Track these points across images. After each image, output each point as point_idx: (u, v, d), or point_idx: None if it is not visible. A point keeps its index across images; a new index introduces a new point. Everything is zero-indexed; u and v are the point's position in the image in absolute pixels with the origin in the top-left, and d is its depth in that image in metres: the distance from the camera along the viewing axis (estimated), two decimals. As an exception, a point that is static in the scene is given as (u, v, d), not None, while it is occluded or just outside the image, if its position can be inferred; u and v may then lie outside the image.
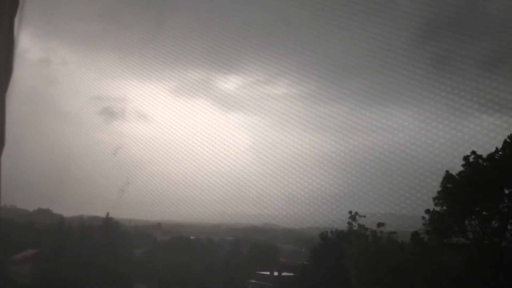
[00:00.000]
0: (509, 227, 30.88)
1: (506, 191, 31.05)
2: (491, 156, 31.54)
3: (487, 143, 32.06)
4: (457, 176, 32.08)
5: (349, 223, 39.02)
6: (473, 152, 32.17)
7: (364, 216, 36.31)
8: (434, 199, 32.39)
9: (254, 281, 63.97)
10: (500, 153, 31.40)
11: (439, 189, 32.48)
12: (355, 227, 39.03)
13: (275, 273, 63.85)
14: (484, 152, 31.93)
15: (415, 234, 33.04)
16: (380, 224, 35.29)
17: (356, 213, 36.74)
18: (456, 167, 32.63)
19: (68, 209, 71.93)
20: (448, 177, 32.30)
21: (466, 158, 32.14)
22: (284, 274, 63.93)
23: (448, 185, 32.15)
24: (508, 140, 31.22)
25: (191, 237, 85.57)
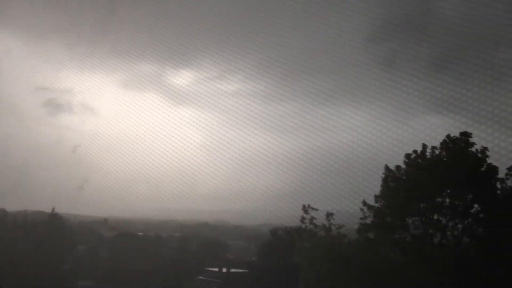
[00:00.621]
0: (449, 223, 31.67)
1: (446, 189, 31.85)
2: (432, 154, 32.36)
3: (430, 142, 32.92)
4: (398, 174, 32.72)
5: (302, 217, 39.20)
6: (415, 151, 32.90)
7: (317, 209, 36.54)
8: (375, 196, 32.94)
9: (202, 277, 63.54)
10: (441, 152, 32.25)
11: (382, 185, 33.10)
12: (306, 223, 39.21)
13: (224, 270, 63.75)
14: (428, 150, 32.74)
15: (359, 230, 33.51)
16: (329, 215, 35.51)
17: (309, 205, 36.95)
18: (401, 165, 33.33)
19: (11, 204, 69.52)
20: (390, 172, 32.92)
21: (407, 156, 32.82)
22: (233, 270, 63.88)
23: (390, 182, 32.75)
24: (446, 139, 32.06)
25: (139, 234, 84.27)
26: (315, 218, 36.05)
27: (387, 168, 33.23)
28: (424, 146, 32.87)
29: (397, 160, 33.48)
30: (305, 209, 36.47)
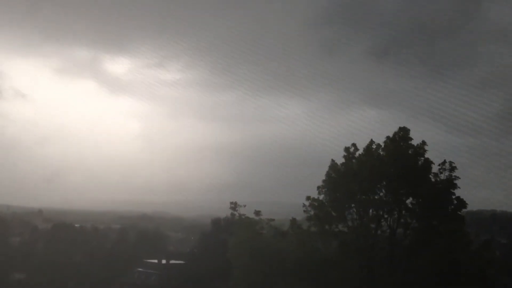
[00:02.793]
0: (385, 215, 32.51)
1: (383, 182, 32.64)
2: (371, 148, 33.06)
3: (369, 135, 33.63)
4: (340, 167, 33.24)
5: (231, 213, 39.20)
6: (353, 145, 33.55)
7: (244, 206, 36.59)
8: (318, 187, 33.35)
9: (140, 269, 62.71)
10: (381, 146, 32.97)
11: (324, 178, 33.53)
12: (237, 216, 39.24)
13: (163, 261, 63.16)
14: (366, 143, 33.45)
15: (292, 222, 33.83)
16: (257, 212, 35.73)
17: (236, 202, 37.03)
18: (339, 158, 33.91)
19: None
20: (332, 167, 33.39)
21: (347, 149, 33.42)
22: (172, 262, 63.40)
23: (332, 175, 33.22)
24: (391, 136, 32.80)
25: (76, 225, 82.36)
26: (244, 215, 36.11)
27: (332, 161, 33.66)
28: (366, 140, 33.58)
29: (337, 152, 34.05)
30: (233, 206, 36.53)
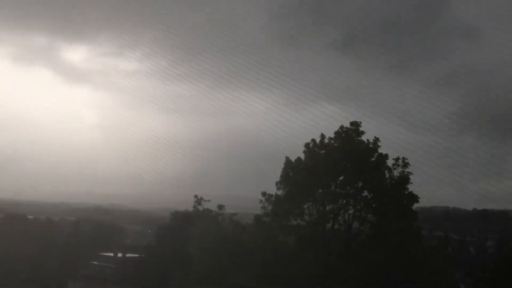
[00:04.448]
0: (341, 210, 33.00)
1: (340, 178, 33.11)
2: (327, 144, 33.48)
3: (329, 130, 34.03)
4: (297, 162, 33.55)
5: (194, 206, 39.07)
6: (313, 140, 33.91)
7: (209, 201, 36.57)
8: (277, 183, 33.57)
9: (96, 262, 61.76)
10: (335, 141, 33.43)
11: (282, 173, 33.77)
12: (200, 210, 39.16)
13: (119, 254, 62.36)
14: (324, 140, 33.79)
15: (257, 216, 33.97)
16: (220, 207, 35.79)
17: (201, 197, 36.89)
18: (299, 153, 34.17)
19: None
20: (289, 162, 33.68)
21: (306, 145, 33.77)
22: (128, 255, 62.63)
23: (289, 170, 33.48)
24: (340, 130, 33.30)
25: (29, 217, 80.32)
26: (210, 211, 36.04)
27: (287, 158, 33.93)
28: (322, 136, 33.92)
29: (296, 147, 34.30)
30: (198, 200, 36.41)
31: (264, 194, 33.76)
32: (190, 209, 42.00)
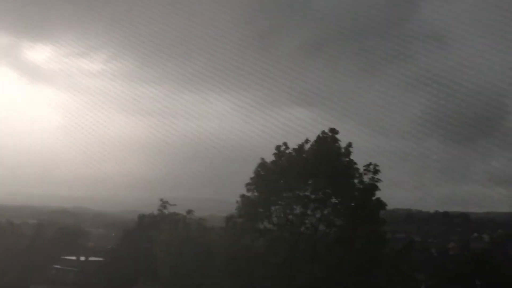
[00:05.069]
0: (309, 212, 33.20)
1: (309, 181, 33.31)
2: (300, 147, 33.66)
3: (299, 134, 34.20)
4: (269, 164, 33.63)
5: (159, 210, 38.74)
6: (284, 143, 34.05)
7: (175, 205, 36.35)
8: (247, 184, 33.55)
9: (58, 266, 60.83)
10: (308, 145, 33.62)
11: (253, 175, 33.78)
12: (166, 213, 38.90)
13: (82, 258, 61.53)
14: (296, 142, 34.02)
15: (228, 219, 33.90)
16: (189, 211, 35.65)
17: (167, 201, 36.59)
18: (269, 155, 34.27)
19: None
20: (261, 164, 33.72)
21: (278, 147, 33.88)
22: (91, 259, 61.83)
23: (261, 172, 33.53)
24: (320, 135, 33.52)
25: (-12, 219, 78.48)
26: (176, 214, 35.81)
27: (261, 159, 33.96)
28: (295, 139, 34.13)
29: (269, 149, 34.35)
30: (163, 203, 36.11)
31: (242, 196, 33.68)
32: (156, 212, 41.67)
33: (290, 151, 33.79)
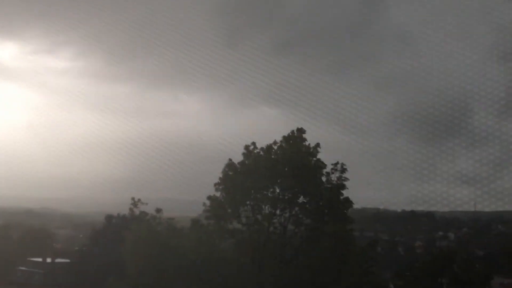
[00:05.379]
0: (278, 212, 33.37)
1: (278, 180, 33.48)
2: (268, 147, 33.79)
3: (270, 133, 34.32)
4: (237, 164, 33.67)
5: (130, 209, 38.48)
6: (253, 143, 34.15)
7: (147, 204, 36.14)
8: (215, 184, 33.52)
9: (23, 268, 59.74)
10: (277, 145, 33.78)
11: (221, 175, 33.78)
12: (137, 213, 38.66)
13: (48, 260, 60.58)
14: (266, 141, 34.16)
15: (194, 220, 33.85)
16: (158, 210, 35.47)
17: (139, 200, 36.30)
18: (238, 156, 34.33)
19: None
20: (229, 165, 33.73)
21: (246, 147, 33.95)
22: (58, 260, 60.98)
23: (229, 172, 33.53)
24: (287, 135, 33.71)
25: (-49, 221, 76.66)
26: (146, 214, 35.61)
27: (229, 160, 33.98)
28: (265, 139, 34.29)
29: (238, 149, 34.39)
30: (134, 202, 35.84)
31: (209, 197, 33.61)
32: (126, 212, 41.25)
33: (258, 151, 33.93)
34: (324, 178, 33.56)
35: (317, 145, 33.79)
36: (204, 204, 33.58)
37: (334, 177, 33.30)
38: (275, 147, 33.82)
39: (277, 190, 33.60)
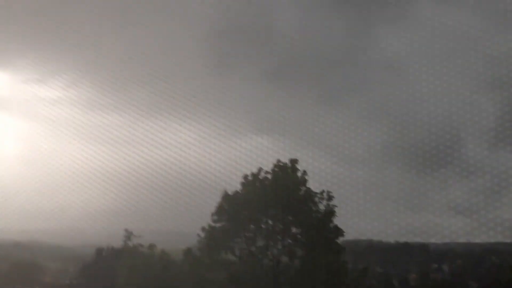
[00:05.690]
0: (271, 243, 33.08)
1: (270, 212, 33.32)
2: (260, 177, 33.73)
3: (261, 163, 34.35)
4: (232, 195, 33.55)
5: (124, 241, 37.99)
6: (253, 174, 34.11)
7: (140, 236, 35.81)
8: (212, 214, 33.34)
9: (11, 303, 58.68)
10: (268, 174, 33.72)
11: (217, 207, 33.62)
12: (130, 246, 38.14)
13: (38, 294, 59.54)
14: (255, 170, 34.06)
15: (187, 251, 33.49)
16: (151, 246, 35.14)
17: (131, 232, 35.95)
18: (232, 186, 34.20)
19: None
20: (225, 196, 33.61)
21: (245, 177, 33.90)
22: (47, 294, 60.00)
23: (224, 203, 33.39)
24: (277, 163, 33.70)
25: None
26: (141, 245, 35.24)
27: (225, 191, 33.83)
28: (259, 169, 34.13)
29: (232, 180, 34.28)
30: (128, 234, 35.51)
31: (203, 229, 33.36)
32: (118, 244, 40.70)
33: (251, 181, 33.85)
34: (314, 208, 33.49)
35: (304, 173, 33.79)
36: (198, 235, 33.29)
37: (322, 205, 33.27)
38: (269, 177, 33.77)
39: (270, 222, 33.43)
